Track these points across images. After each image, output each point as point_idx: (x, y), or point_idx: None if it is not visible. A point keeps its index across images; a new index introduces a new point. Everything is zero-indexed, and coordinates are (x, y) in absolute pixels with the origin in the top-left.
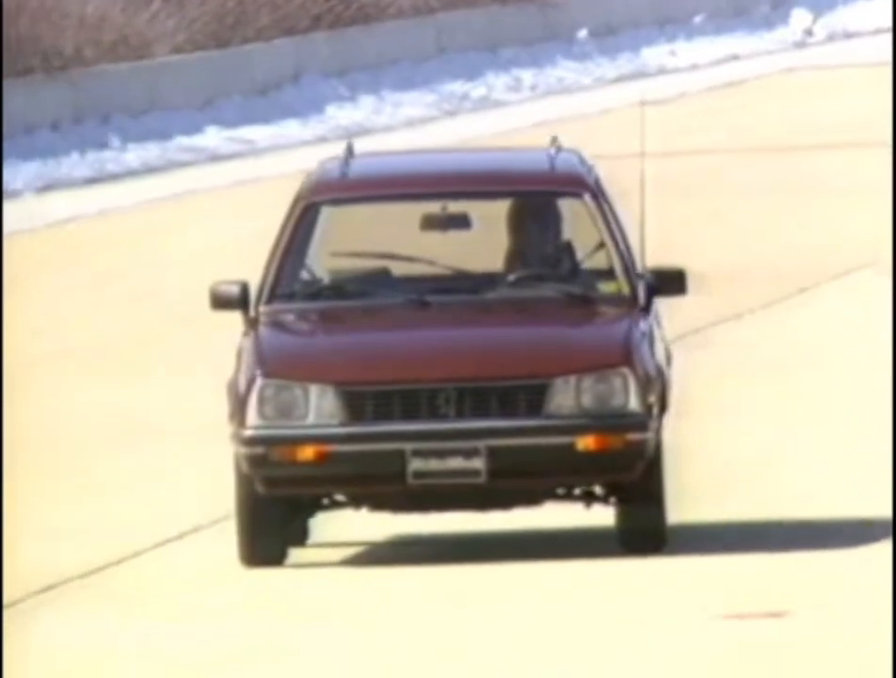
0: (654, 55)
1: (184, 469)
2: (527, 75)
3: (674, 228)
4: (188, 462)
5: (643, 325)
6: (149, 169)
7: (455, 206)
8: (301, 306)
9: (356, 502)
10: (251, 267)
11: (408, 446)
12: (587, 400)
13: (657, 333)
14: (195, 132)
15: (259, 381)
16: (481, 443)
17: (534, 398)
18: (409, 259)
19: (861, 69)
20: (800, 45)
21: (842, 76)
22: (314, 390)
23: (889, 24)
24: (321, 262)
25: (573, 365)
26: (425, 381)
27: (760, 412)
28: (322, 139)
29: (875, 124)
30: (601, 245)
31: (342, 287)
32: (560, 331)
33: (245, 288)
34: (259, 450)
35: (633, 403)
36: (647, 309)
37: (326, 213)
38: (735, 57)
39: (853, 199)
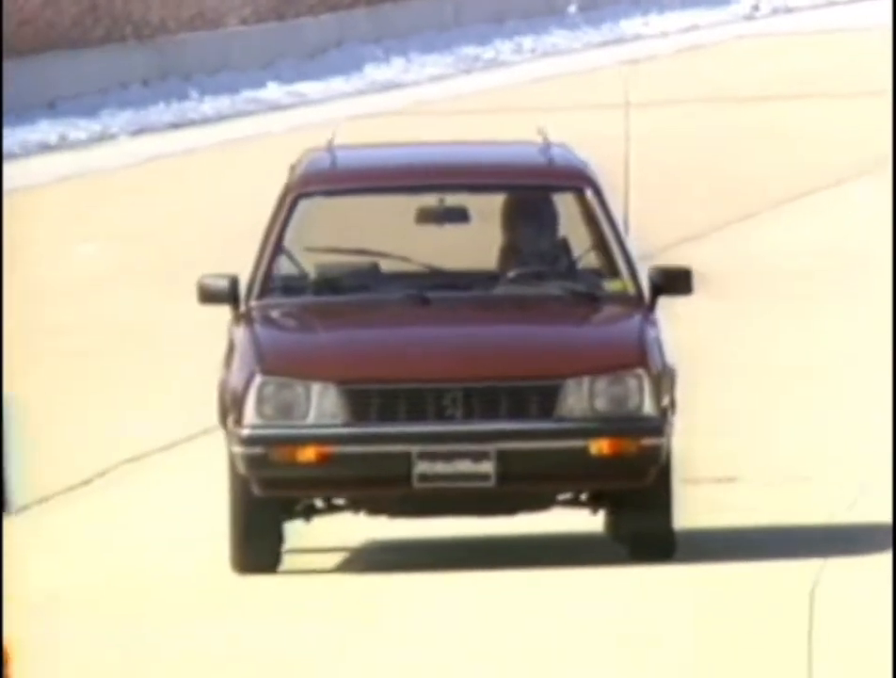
0: (631, 25)
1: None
2: (528, 41)
3: (656, 157)
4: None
5: (653, 325)
6: (221, 117)
7: (452, 200)
8: (294, 301)
9: (355, 506)
10: None
11: (414, 449)
12: (601, 403)
13: (663, 330)
14: (259, 87)
15: (257, 379)
16: (491, 447)
17: (545, 400)
18: (382, 255)
19: (799, 36)
20: (749, 18)
21: (783, 43)
22: (316, 388)
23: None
24: (299, 256)
25: (586, 366)
26: (432, 381)
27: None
28: (361, 92)
29: (811, 81)
30: (599, 242)
31: (337, 282)
32: (571, 330)
33: (234, 282)
34: (257, 450)
35: (648, 406)
36: (652, 308)
37: (315, 204)
38: (697, 27)
39: (798, 138)
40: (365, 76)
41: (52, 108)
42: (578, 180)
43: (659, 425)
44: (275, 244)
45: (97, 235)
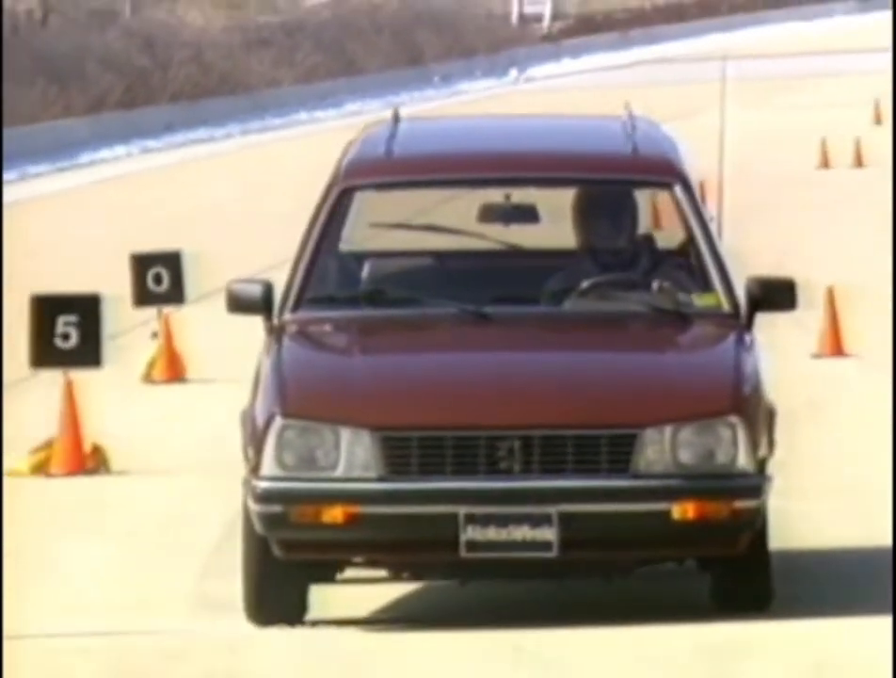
0: (461, 87)
1: None
2: (415, 95)
3: None
4: None
5: (750, 352)
6: (270, 128)
7: (519, 194)
8: (335, 315)
9: (396, 569)
10: None
11: (462, 510)
12: (686, 456)
13: (761, 355)
14: (293, 115)
15: (277, 422)
16: (553, 509)
17: (619, 452)
18: (454, 232)
19: (537, 95)
20: (514, 83)
21: (531, 97)
22: (346, 434)
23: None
24: (356, 241)
25: (669, 411)
26: (484, 427)
27: None
28: (335, 118)
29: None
30: (689, 247)
31: (384, 293)
32: (652, 362)
33: (268, 289)
34: (275, 509)
35: (743, 460)
36: (749, 327)
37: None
38: (491, 88)
39: None
40: (341, 111)
41: (169, 129)
42: (665, 174)
43: (755, 483)
44: (315, 245)
45: (222, 180)
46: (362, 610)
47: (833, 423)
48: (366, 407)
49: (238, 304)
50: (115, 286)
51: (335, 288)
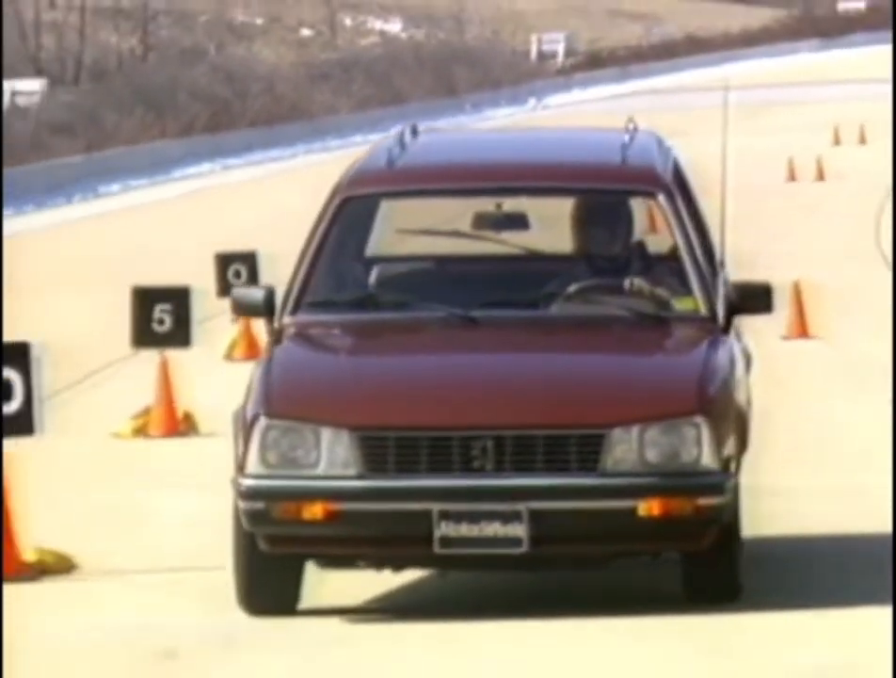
0: (489, 113)
1: None
2: (449, 120)
3: None
4: None
5: (723, 354)
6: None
7: (511, 203)
8: (330, 318)
9: (377, 562)
10: None
11: (436, 507)
12: (652, 455)
13: (738, 357)
14: (322, 141)
15: (262, 422)
16: (523, 506)
17: (588, 451)
18: (479, 237)
19: (551, 118)
20: (533, 110)
21: (546, 122)
22: (327, 434)
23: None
24: (389, 238)
25: (635, 412)
26: (458, 427)
27: None
28: (373, 141)
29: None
30: (671, 253)
31: (377, 297)
32: (625, 364)
33: (270, 294)
34: (259, 505)
35: (707, 459)
36: (726, 330)
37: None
38: (513, 115)
39: None
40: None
41: (247, 150)
42: (648, 183)
43: (719, 482)
44: (315, 251)
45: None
46: (353, 599)
47: (799, 387)
48: (346, 408)
49: (242, 308)
50: (201, 280)
51: (333, 292)
